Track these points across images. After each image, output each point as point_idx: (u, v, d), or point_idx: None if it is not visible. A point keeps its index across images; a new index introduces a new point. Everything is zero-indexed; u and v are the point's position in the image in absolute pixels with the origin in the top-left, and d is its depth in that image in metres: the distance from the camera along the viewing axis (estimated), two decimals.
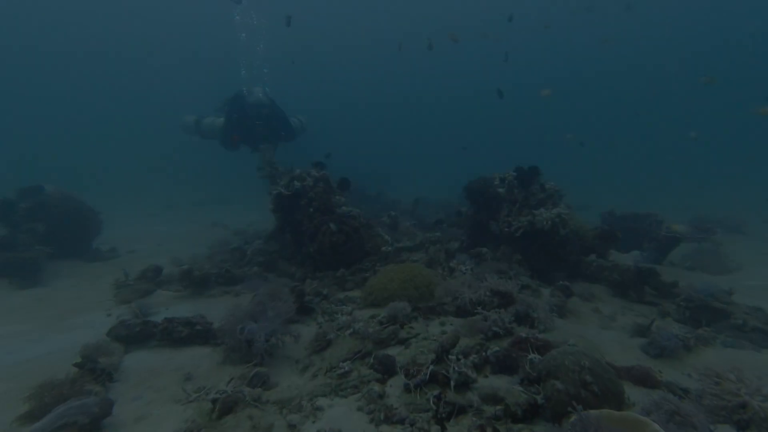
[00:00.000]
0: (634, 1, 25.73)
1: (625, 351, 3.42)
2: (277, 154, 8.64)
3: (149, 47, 43.41)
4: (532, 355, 3.05)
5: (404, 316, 4.03)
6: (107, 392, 2.66)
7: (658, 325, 3.70)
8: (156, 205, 14.88)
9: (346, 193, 6.39)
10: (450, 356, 3.04)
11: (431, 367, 2.93)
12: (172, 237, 8.92)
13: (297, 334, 3.49)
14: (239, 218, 12.05)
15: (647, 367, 2.89)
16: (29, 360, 3.26)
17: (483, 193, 6.56)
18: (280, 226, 6.40)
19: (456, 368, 2.85)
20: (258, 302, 3.43)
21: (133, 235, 9.04)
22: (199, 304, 4.43)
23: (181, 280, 4.71)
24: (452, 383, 2.75)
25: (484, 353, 3.23)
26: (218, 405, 2.46)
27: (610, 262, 5.12)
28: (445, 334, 3.73)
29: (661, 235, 5.65)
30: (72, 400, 2.32)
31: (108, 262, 6.50)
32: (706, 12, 32.31)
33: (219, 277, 5.10)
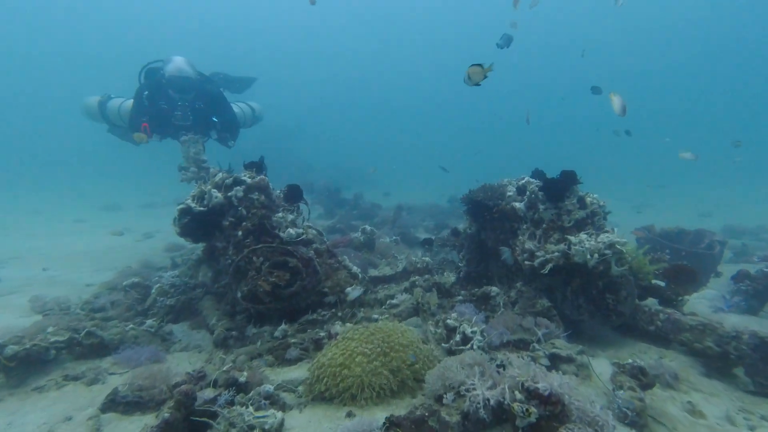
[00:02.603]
0: None
1: None
2: (223, 150, 6.63)
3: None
4: None
5: None
6: None
7: None
8: (91, 208, 12.56)
9: (295, 206, 4.48)
10: None
11: None
12: (80, 254, 6.82)
13: None
14: None
15: None
16: None
17: (490, 208, 4.75)
18: (211, 248, 4.44)
19: None
20: None
21: (25, 252, 6.87)
22: None
23: None
24: None
25: None
26: None
27: (693, 317, 3.35)
28: None
29: (762, 271, 3.94)
30: None
31: None
32: None
33: (73, 347, 3.11)
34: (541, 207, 4.09)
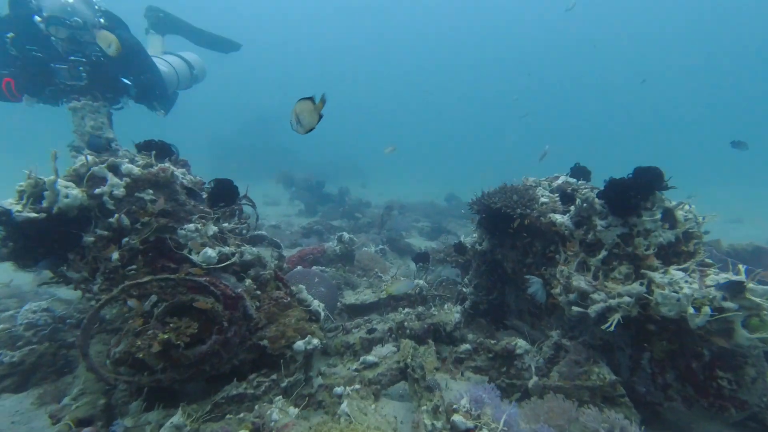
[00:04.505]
0: None
1: None
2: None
3: None
4: None
5: None
6: None
7: None
8: None
9: (229, 211, 3.01)
10: None
11: None
12: None
13: None
14: None
15: None
16: None
17: (512, 220, 3.31)
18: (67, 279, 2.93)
19: None
20: None
21: None
22: None
23: None
24: None
25: None
26: None
27: None
28: None
29: None
30: None
31: None
32: None
33: None
34: (600, 223, 2.65)
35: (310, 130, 2.26)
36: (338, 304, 4.25)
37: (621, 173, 2.73)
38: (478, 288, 4.08)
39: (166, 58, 4.62)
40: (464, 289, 4.23)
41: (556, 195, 3.28)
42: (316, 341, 2.72)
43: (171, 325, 2.25)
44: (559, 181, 3.58)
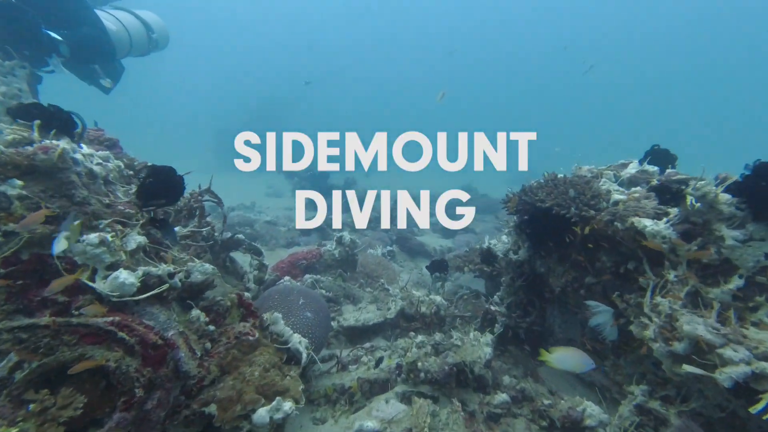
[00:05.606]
0: None
1: None
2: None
3: None
4: None
5: None
6: None
7: None
8: None
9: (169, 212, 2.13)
10: None
11: None
12: None
13: None
14: None
15: None
16: None
17: (565, 224, 2.36)
18: None
19: None
20: None
21: None
22: None
23: None
24: None
25: None
26: None
27: None
28: None
29: None
30: None
31: None
32: None
33: None
34: (731, 235, 1.68)
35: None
36: (335, 324, 3.37)
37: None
38: (511, 308, 3.15)
39: (116, 14, 3.70)
40: (493, 308, 3.30)
41: (637, 189, 2.30)
42: (288, 406, 1.83)
43: (33, 405, 1.37)
44: (631, 170, 2.60)
